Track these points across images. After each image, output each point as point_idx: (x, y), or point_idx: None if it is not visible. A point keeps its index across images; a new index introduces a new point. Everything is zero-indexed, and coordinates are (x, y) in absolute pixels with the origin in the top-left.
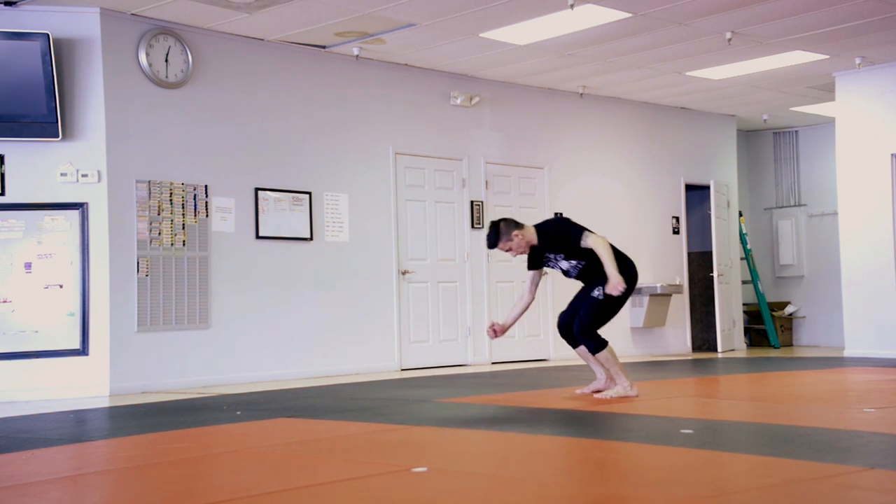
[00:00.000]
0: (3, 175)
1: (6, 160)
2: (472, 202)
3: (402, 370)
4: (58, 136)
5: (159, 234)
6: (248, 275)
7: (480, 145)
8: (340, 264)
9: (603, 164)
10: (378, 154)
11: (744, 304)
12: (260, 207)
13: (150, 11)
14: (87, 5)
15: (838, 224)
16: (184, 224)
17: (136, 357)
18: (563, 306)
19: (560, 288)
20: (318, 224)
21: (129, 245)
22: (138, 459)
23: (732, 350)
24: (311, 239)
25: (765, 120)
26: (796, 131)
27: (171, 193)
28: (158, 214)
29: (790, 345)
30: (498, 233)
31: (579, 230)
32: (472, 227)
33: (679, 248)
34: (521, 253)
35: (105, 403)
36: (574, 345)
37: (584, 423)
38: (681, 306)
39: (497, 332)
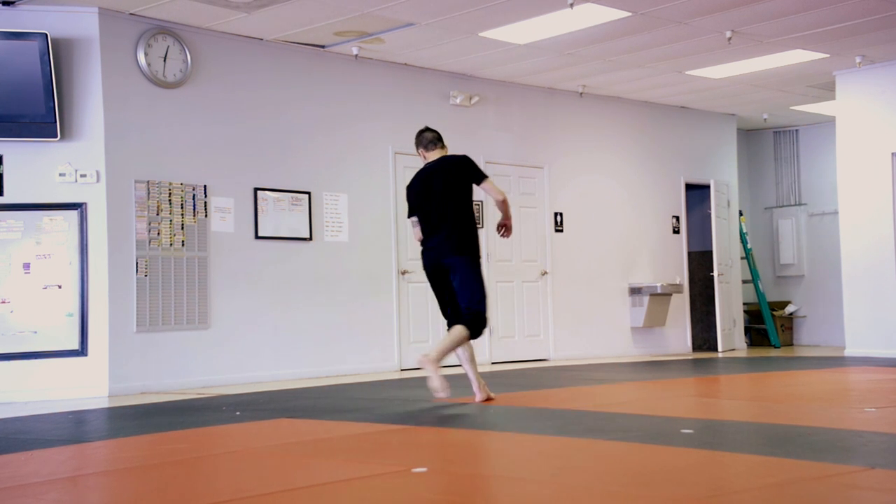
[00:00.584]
0: (1, 175)
1: (4, 160)
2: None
3: (402, 370)
4: (56, 137)
5: (158, 234)
6: (248, 275)
7: (480, 145)
8: (340, 264)
9: (603, 163)
10: (378, 154)
11: (744, 304)
12: (259, 207)
13: (148, 11)
14: (86, 5)
15: (839, 223)
16: (183, 224)
17: (135, 357)
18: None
19: (560, 287)
20: (318, 224)
21: (128, 245)
22: (138, 460)
23: (733, 350)
24: (311, 239)
25: (765, 119)
26: (796, 130)
27: (170, 193)
28: (157, 214)
29: (791, 344)
30: (416, 138)
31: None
32: None
33: (679, 247)
34: None
35: (104, 404)
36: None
37: (584, 423)
38: (681, 306)
39: None
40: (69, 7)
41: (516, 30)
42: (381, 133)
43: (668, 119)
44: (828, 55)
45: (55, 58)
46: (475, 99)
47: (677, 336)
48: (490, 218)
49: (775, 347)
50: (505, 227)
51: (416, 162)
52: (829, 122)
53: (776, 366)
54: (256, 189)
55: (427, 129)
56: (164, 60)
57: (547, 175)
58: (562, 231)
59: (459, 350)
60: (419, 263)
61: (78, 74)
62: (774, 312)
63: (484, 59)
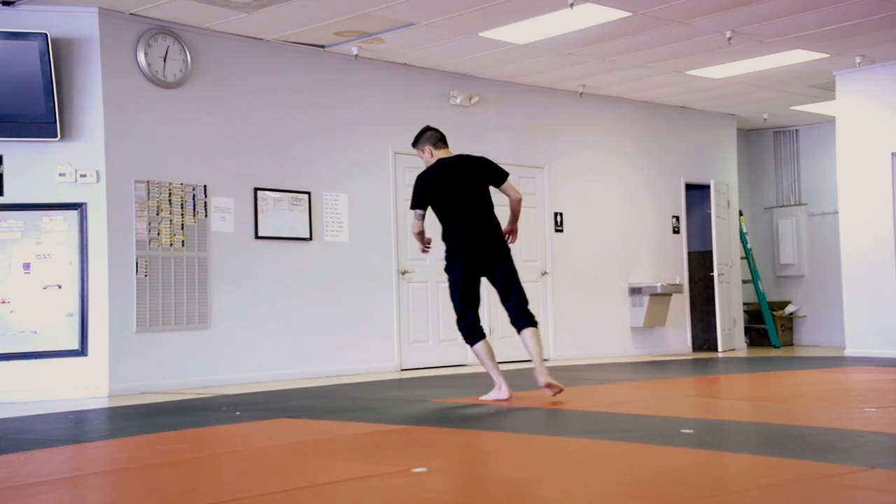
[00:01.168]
0: (1, 175)
1: (4, 160)
2: None
3: (402, 370)
4: (56, 137)
5: (158, 234)
6: (248, 275)
7: (480, 145)
8: (340, 264)
9: (603, 163)
10: (378, 154)
11: (744, 304)
12: (259, 207)
13: (148, 11)
14: (86, 5)
15: (839, 223)
16: (183, 224)
17: (135, 357)
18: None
19: (560, 287)
20: (318, 224)
21: (127, 245)
22: (138, 460)
23: (733, 350)
24: (311, 239)
25: (765, 119)
26: (796, 130)
27: (169, 193)
28: (157, 214)
29: (791, 344)
30: (419, 137)
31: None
32: None
33: (679, 247)
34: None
35: (104, 404)
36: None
37: (584, 423)
38: (681, 306)
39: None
40: (69, 7)
41: (516, 30)
42: (381, 133)
43: (668, 119)
44: (828, 55)
45: (55, 58)
46: (475, 99)
47: (677, 336)
48: None
49: (775, 347)
50: (512, 233)
51: (417, 162)
52: (829, 122)
53: (776, 366)
54: (256, 189)
55: (432, 128)
56: (164, 60)
57: (547, 175)
58: (562, 231)
59: (484, 349)
60: (419, 263)
61: (78, 74)
62: (774, 312)
63: (484, 59)
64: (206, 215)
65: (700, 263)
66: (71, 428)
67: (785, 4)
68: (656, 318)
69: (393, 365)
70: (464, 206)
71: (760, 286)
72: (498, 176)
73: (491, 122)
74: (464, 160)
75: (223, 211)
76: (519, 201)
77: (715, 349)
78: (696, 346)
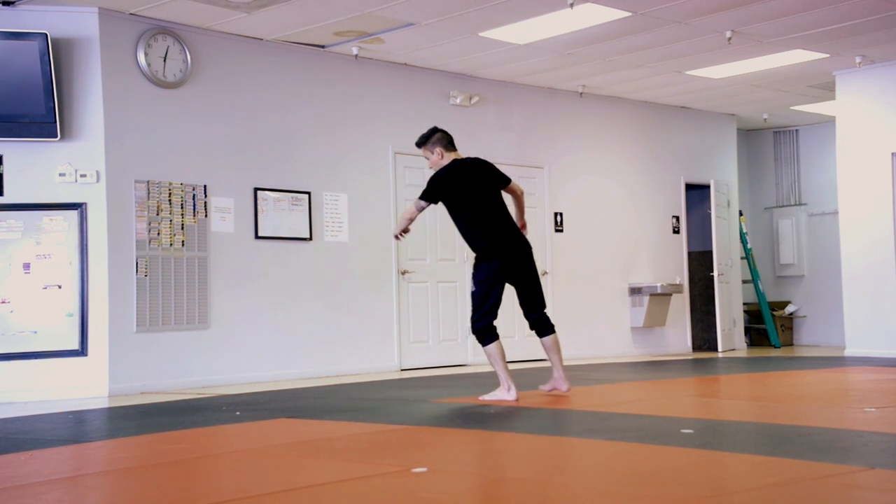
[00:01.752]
0: (1, 175)
1: (4, 160)
2: None
3: (402, 370)
4: (56, 137)
5: (158, 234)
6: (248, 275)
7: (480, 145)
8: (340, 264)
9: (603, 163)
10: (377, 154)
11: (744, 304)
12: (259, 207)
13: (148, 11)
14: (86, 5)
15: (839, 223)
16: (183, 224)
17: (135, 357)
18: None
19: (560, 287)
20: (318, 224)
21: (127, 245)
22: (138, 460)
23: (733, 350)
24: (311, 239)
25: (765, 119)
26: (796, 130)
27: (169, 193)
28: (157, 214)
29: (791, 344)
30: (428, 137)
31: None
32: None
33: (679, 247)
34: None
35: (104, 404)
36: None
37: (584, 422)
38: (681, 306)
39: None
40: (69, 7)
41: (516, 30)
42: (381, 133)
43: (668, 119)
44: (828, 55)
45: (55, 58)
46: (475, 99)
47: (677, 336)
48: None
49: (775, 347)
50: (524, 226)
51: (416, 162)
52: (829, 122)
53: (776, 366)
54: (256, 189)
55: (441, 129)
56: (164, 60)
57: (547, 175)
58: (562, 231)
59: (498, 350)
60: (419, 263)
61: (78, 74)
62: (774, 312)
63: (484, 59)
64: (206, 215)
65: (700, 263)
66: (71, 428)
67: (785, 4)
68: (656, 318)
69: (393, 365)
70: (489, 208)
71: (760, 286)
72: (504, 178)
73: (491, 122)
74: (480, 163)
75: (223, 211)
76: (523, 194)
77: (715, 349)
78: (696, 346)
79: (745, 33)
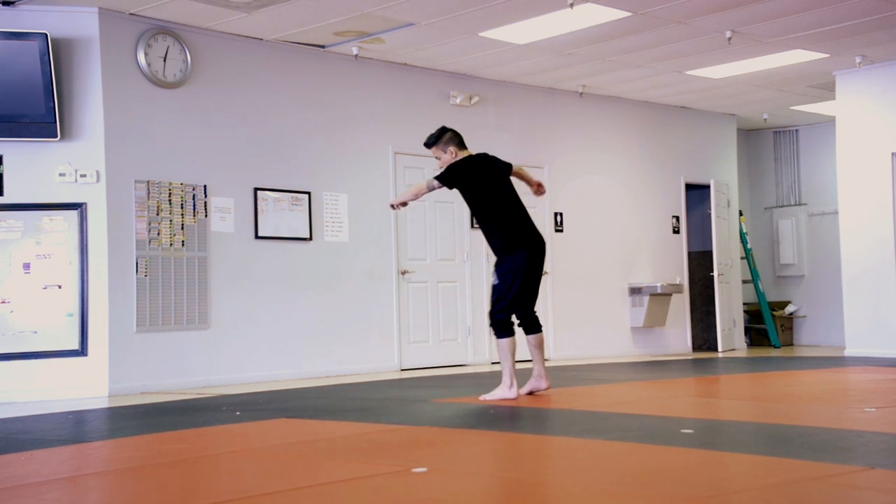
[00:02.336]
0: (1, 175)
1: (4, 160)
2: None
3: (402, 370)
4: (56, 137)
5: (158, 234)
6: (248, 275)
7: (480, 145)
8: (340, 264)
9: (603, 163)
10: (377, 154)
11: (744, 304)
12: (259, 207)
13: (148, 11)
14: (86, 5)
15: (839, 223)
16: (183, 224)
17: (135, 357)
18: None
19: (560, 287)
20: (318, 224)
21: (127, 245)
22: (138, 460)
23: (733, 350)
24: (311, 239)
25: (765, 119)
26: (796, 130)
27: (169, 193)
28: (157, 214)
29: (791, 344)
30: (439, 136)
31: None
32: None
33: (679, 247)
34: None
35: (104, 404)
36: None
37: (584, 423)
38: (681, 306)
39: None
40: (69, 7)
41: (516, 30)
42: (381, 133)
43: (668, 119)
44: (828, 55)
45: (55, 58)
46: (475, 99)
47: (677, 336)
48: None
49: (775, 347)
50: (540, 185)
51: (416, 162)
52: (829, 122)
53: (776, 366)
54: (256, 189)
55: (451, 129)
56: (164, 60)
57: (547, 175)
58: (562, 231)
59: (511, 346)
60: (419, 263)
61: (78, 74)
62: (774, 312)
63: (484, 59)
64: (206, 215)
65: (700, 263)
66: (71, 428)
67: (785, 4)
68: (656, 318)
69: (393, 365)
70: (511, 201)
71: (760, 286)
72: (508, 164)
73: (491, 122)
74: (492, 159)
75: (223, 211)
76: (519, 168)
77: (715, 349)
78: (696, 346)
79: (745, 33)
